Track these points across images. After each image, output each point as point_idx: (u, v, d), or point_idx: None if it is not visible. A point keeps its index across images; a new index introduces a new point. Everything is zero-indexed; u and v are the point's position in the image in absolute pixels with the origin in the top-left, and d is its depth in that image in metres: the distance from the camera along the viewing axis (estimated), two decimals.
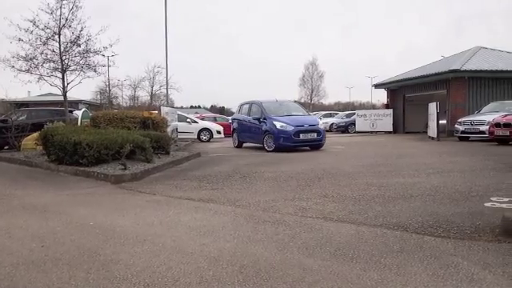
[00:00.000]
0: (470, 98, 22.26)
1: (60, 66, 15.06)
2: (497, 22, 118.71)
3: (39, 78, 15.29)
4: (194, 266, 3.70)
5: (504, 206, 5.54)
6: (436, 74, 23.38)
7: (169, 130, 16.48)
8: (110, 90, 54.22)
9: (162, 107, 20.25)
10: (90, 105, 40.47)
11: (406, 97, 27.85)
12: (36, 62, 14.93)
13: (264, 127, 15.39)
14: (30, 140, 13.88)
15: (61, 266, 3.76)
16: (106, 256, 4.02)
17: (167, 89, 34.75)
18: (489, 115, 17.23)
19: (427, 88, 25.33)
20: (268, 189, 7.43)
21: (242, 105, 18.10)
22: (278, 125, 14.81)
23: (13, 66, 14.91)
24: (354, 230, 4.73)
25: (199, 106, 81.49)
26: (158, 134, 12.92)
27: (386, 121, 28.14)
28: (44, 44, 14.90)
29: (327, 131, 24.47)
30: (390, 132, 27.53)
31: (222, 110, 75.34)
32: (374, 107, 54.31)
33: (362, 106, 67.71)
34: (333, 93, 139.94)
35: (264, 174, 9.08)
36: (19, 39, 14.60)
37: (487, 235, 4.40)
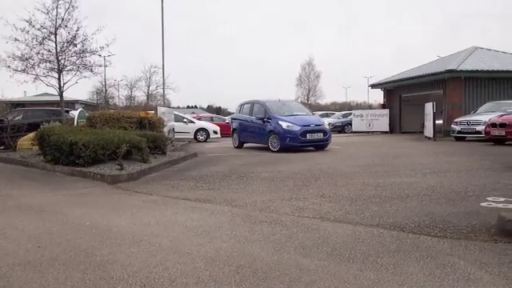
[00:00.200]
0: (467, 98, 22.32)
1: (56, 66, 15.04)
2: (492, 23, 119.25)
3: (35, 78, 15.28)
4: (190, 266, 3.69)
5: (500, 205, 5.56)
6: (432, 74, 23.43)
7: (165, 130, 16.44)
8: (106, 90, 54.11)
9: (158, 107, 20.21)
10: (86, 105, 40.35)
11: (403, 97, 27.90)
12: (32, 62, 14.92)
13: (268, 127, 15.14)
14: (26, 140, 13.84)
15: (57, 267, 3.75)
16: (102, 256, 4.01)
17: (164, 89, 34.71)
18: (485, 115, 17.28)
19: (424, 88, 25.38)
20: (265, 189, 7.43)
21: (242, 104, 17.83)
22: (284, 125, 14.57)
23: (9, 66, 14.89)
24: (351, 230, 4.73)
25: (196, 106, 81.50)
26: (155, 134, 12.90)
27: (382, 121, 28.18)
28: (40, 44, 14.89)
29: None
30: (386, 132, 27.57)
31: (218, 110, 75.34)
32: (370, 107, 54.40)
33: (359, 106, 67.84)
34: (329, 93, 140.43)
35: (261, 174, 9.08)
36: (15, 39, 14.59)
37: (483, 235, 4.41)
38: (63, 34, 15.11)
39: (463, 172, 8.72)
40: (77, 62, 15.37)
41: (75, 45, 15.22)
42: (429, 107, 20.18)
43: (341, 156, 12.79)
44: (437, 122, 20.05)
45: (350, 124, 30.88)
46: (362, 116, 29.78)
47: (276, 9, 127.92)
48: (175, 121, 21.38)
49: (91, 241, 4.53)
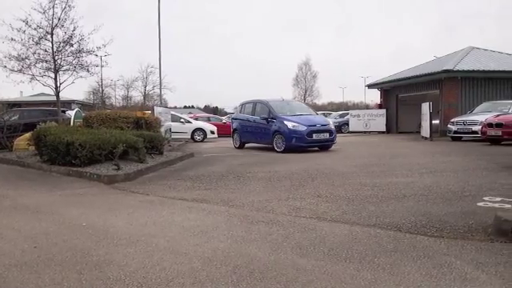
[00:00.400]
0: (463, 98, 22.37)
1: (53, 66, 15.00)
2: (489, 23, 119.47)
3: (32, 78, 15.24)
4: (187, 267, 3.69)
5: (496, 205, 5.57)
6: (429, 74, 23.48)
7: (162, 130, 16.43)
8: (102, 90, 54.10)
9: (155, 107, 20.17)
10: (82, 105, 40.29)
11: (399, 97, 27.94)
12: (28, 62, 14.88)
13: (273, 127, 14.87)
14: (23, 140, 13.79)
15: (53, 267, 3.74)
16: (98, 257, 4.00)
17: (160, 89, 34.80)
18: (481, 115, 17.32)
19: (420, 88, 25.43)
20: (262, 189, 7.43)
21: (243, 104, 17.53)
22: (290, 125, 14.31)
23: (5, 66, 14.86)
24: (348, 230, 4.74)
25: (193, 106, 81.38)
26: (152, 134, 12.88)
27: (379, 121, 28.21)
28: (36, 44, 14.85)
29: None
30: (383, 132, 27.60)
31: (215, 110, 75.26)
32: (367, 107, 54.40)
33: (356, 106, 67.85)
34: (326, 93, 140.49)
35: (258, 174, 9.08)
36: (11, 39, 14.55)
37: (480, 235, 4.43)
38: (60, 34, 15.10)
39: (460, 172, 8.74)
40: (73, 61, 15.34)
41: (72, 45, 15.20)
42: (425, 107, 20.22)
43: (337, 156, 12.80)
44: (433, 122, 20.09)
45: (347, 124, 30.91)
46: (358, 116, 29.81)
47: (273, 9, 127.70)
48: (172, 121, 21.35)
49: (88, 241, 4.52)
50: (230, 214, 5.64)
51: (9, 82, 15.41)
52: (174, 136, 20.00)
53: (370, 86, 31.72)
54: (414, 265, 3.64)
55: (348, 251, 4.02)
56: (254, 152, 14.87)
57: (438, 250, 4.03)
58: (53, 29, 14.88)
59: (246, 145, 16.97)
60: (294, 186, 7.55)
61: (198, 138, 23.31)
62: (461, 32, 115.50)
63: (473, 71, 22.27)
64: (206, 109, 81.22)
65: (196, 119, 27.58)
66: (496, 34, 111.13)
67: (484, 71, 22.37)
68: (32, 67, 14.97)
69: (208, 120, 30.64)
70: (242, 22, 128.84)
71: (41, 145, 10.77)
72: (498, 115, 15.84)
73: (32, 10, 14.64)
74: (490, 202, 5.81)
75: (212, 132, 23.98)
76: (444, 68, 22.43)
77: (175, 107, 63.71)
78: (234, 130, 17.52)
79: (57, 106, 16.29)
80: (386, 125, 27.91)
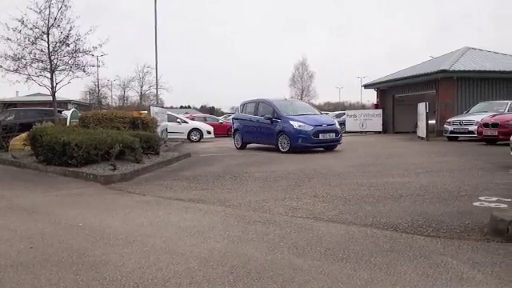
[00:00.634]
0: (459, 98, 22.42)
1: (49, 66, 14.96)
2: (485, 23, 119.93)
3: (27, 78, 15.19)
4: (184, 267, 3.68)
5: (492, 205, 5.59)
6: (425, 75, 23.53)
7: (158, 130, 16.40)
8: (99, 90, 53.94)
9: (151, 107, 20.13)
10: (79, 105, 40.17)
11: (396, 97, 27.99)
12: (24, 62, 14.85)
13: (278, 127, 14.58)
14: (19, 140, 13.76)
15: (49, 268, 3.73)
16: (95, 257, 3.99)
17: (157, 89, 34.66)
18: (477, 115, 17.37)
19: (416, 88, 25.48)
20: (258, 189, 7.43)
21: (245, 104, 17.19)
22: (296, 124, 14.06)
23: (0, 66, 14.80)
24: (345, 230, 4.74)
25: (189, 106, 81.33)
26: (148, 134, 12.86)
27: (375, 121, 28.24)
28: (32, 44, 14.81)
29: None
30: (379, 132, 27.64)
31: (212, 110, 75.22)
32: (363, 107, 54.49)
33: (352, 106, 67.94)
34: (323, 93, 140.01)
35: (254, 174, 9.07)
36: (7, 39, 14.50)
37: (476, 234, 4.44)
38: (56, 34, 15.06)
39: (456, 172, 8.76)
40: (69, 61, 15.31)
41: (68, 45, 15.16)
42: (422, 107, 20.27)
43: (334, 156, 12.81)
44: (430, 122, 20.14)
45: (344, 124, 30.91)
46: (355, 116, 29.85)
47: (270, 9, 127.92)
48: (168, 121, 21.34)
49: (84, 241, 4.51)
50: (227, 214, 5.63)
51: (4, 81, 15.43)
52: (170, 136, 19.99)
53: (366, 86, 31.78)
54: (410, 264, 3.64)
55: (345, 251, 4.02)
56: (254, 152, 14.83)
57: (435, 249, 4.04)
58: (49, 28, 14.84)
59: (247, 145, 16.68)
60: (291, 186, 7.55)
61: (194, 138, 23.29)
62: (457, 32, 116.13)
63: (469, 71, 22.33)
64: (203, 109, 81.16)
65: (192, 119, 27.57)
66: (493, 33, 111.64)
67: (480, 71, 22.43)
68: (28, 67, 14.95)
69: (204, 120, 30.64)
70: (239, 21, 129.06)
71: (37, 145, 10.73)
72: (494, 115, 15.89)
73: (28, 9, 14.62)
74: (486, 201, 5.83)
75: (208, 132, 23.98)
76: (440, 68, 22.47)
77: (171, 107, 63.67)
78: (236, 130, 17.17)
79: (53, 106, 16.25)
80: (383, 125, 27.95)
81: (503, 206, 5.49)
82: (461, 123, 18.03)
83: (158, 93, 39.14)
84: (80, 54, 15.38)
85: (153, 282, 3.36)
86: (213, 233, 4.75)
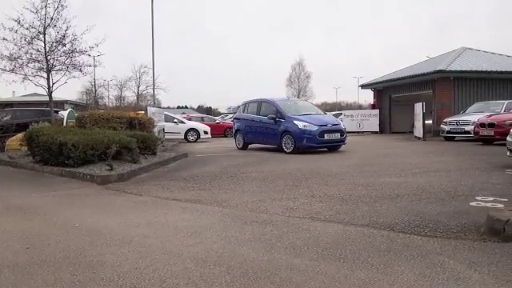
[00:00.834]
0: (456, 99, 22.50)
1: (45, 66, 14.93)
2: (482, 23, 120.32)
3: (24, 78, 15.16)
4: (181, 267, 3.68)
5: (489, 205, 5.60)
6: (422, 75, 23.60)
7: (155, 130, 16.38)
8: (96, 90, 53.93)
9: (148, 107, 20.11)
10: (75, 105, 40.14)
11: (393, 97, 28.05)
12: (21, 62, 14.80)
13: (281, 127, 14.35)
14: (15, 140, 13.71)
15: (46, 268, 3.72)
16: (92, 257, 3.97)
17: (154, 89, 34.69)
18: (474, 115, 17.42)
19: (413, 88, 25.54)
20: (255, 189, 7.42)
21: (246, 103, 16.96)
22: (301, 124, 13.83)
23: None
24: (341, 230, 4.74)
25: (186, 107, 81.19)
26: (145, 135, 12.83)
27: (372, 121, 28.28)
28: (29, 43, 14.77)
29: None
30: (376, 132, 27.68)
31: (208, 111, 75.10)
32: (360, 107, 54.59)
33: (349, 107, 68.05)
34: (320, 93, 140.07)
35: (251, 175, 9.07)
36: (3, 38, 14.46)
37: (473, 234, 4.45)
38: (52, 34, 15.03)
39: (453, 172, 8.78)
40: (66, 61, 15.26)
41: (64, 44, 15.12)
42: (418, 107, 20.31)
43: (333, 156, 12.81)
44: (426, 122, 20.19)
45: None
46: (352, 116, 29.86)
47: (267, 9, 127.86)
48: (165, 121, 21.31)
49: (81, 242, 4.50)
50: (224, 215, 5.63)
51: (1, 81, 15.50)
52: (167, 136, 19.95)
53: (363, 87, 31.81)
54: (407, 264, 3.65)
55: (342, 251, 4.02)
56: (253, 152, 14.80)
57: (432, 249, 4.04)
58: (45, 28, 14.80)
59: (248, 146, 16.44)
60: (288, 186, 7.55)
61: (191, 138, 23.29)
62: (454, 32, 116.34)
63: (465, 71, 22.42)
64: (200, 109, 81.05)
65: (189, 119, 27.58)
66: (491, 34, 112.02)
67: (477, 71, 22.52)
68: (24, 67, 14.91)
69: (202, 120, 30.64)
70: (236, 22, 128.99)
71: (33, 145, 10.70)
72: (491, 115, 15.94)
73: (24, 9, 14.58)
74: (483, 201, 5.84)
75: (205, 132, 23.97)
76: (437, 68, 22.56)
77: (168, 107, 63.57)
78: (237, 130, 16.88)
79: (49, 106, 16.20)
80: (380, 125, 27.99)
81: (500, 205, 5.50)
82: (457, 123, 18.08)
83: (155, 93, 39.17)
84: (76, 54, 15.36)
85: (150, 283, 3.35)
86: (210, 233, 4.74)
